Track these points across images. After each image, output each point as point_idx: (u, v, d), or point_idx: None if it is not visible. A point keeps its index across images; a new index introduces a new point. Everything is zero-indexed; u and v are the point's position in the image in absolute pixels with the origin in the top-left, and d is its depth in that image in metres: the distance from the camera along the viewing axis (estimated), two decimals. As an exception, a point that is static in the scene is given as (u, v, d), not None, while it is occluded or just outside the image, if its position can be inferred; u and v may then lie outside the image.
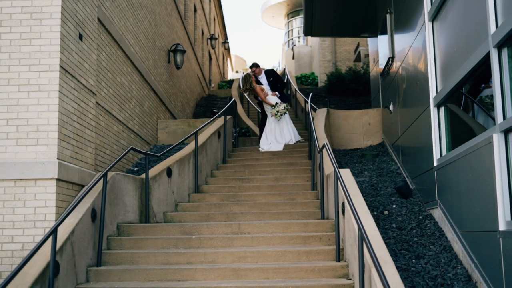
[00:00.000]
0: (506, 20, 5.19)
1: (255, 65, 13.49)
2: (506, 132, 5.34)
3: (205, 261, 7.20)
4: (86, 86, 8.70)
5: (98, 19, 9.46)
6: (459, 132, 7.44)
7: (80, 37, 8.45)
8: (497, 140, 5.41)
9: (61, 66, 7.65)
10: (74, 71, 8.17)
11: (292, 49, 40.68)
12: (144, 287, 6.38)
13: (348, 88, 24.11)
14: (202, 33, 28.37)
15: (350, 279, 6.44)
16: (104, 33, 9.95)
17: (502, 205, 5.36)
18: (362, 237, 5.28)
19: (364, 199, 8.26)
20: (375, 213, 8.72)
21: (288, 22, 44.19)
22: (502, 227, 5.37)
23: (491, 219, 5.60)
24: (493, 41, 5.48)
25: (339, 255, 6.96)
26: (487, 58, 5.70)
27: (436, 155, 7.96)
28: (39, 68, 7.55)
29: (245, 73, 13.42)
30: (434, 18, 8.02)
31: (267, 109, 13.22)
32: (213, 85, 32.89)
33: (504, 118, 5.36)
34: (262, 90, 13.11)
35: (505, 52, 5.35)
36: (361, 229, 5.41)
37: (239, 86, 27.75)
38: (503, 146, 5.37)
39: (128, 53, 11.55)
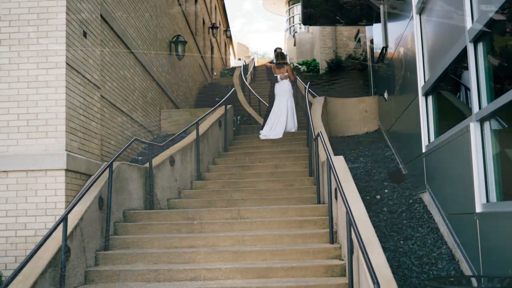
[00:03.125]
0: (480, 16, 5.57)
1: (280, 48, 14.50)
2: (481, 121, 5.75)
3: (207, 244, 7.64)
4: (91, 81, 9.13)
5: (101, 15, 9.86)
6: (445, 120, 7.83)
7: (84, 34, 8.86)
8: (474, 128, 5.82)
9: (67, 63, 8.08)
10: (79, 67, 8.59)
11: (294, 35, 40.79)
12: (150, 269, 6.84)
13: (348, 76, 24.41)
14: (203, 23, 28.65)
15: (342, 260, 6.85)
16: (107, 29, 10.36)
17: (478, 188, 5.78)
18: (350, 222, 5.71)
19: (358, 184, 8.68)
20: (368, 197, 9.14)
21: (289, 9, 44.29)
22: (478, 209, 5.80)
23: (470, 202, 6.02)
24: (469, 36, 5.86)
25: (332, 237, 7.38)
26: (465, 52, 6.09)
27: (424, 142, 8.36)
28: (47, 66, 7.98)
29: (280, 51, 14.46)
30: (421, 11, 8.39)
31: (281, 90, 13.63)
32: (215, 73, 33.21)
33: (479, 108, 5.76)
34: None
35: (480, 47, 5.74)
36: (349, 213, 5.84)
37: (241, 74, 28.04)
38: (479, 134, 5.78)
39: (131, 46, 11.94)
